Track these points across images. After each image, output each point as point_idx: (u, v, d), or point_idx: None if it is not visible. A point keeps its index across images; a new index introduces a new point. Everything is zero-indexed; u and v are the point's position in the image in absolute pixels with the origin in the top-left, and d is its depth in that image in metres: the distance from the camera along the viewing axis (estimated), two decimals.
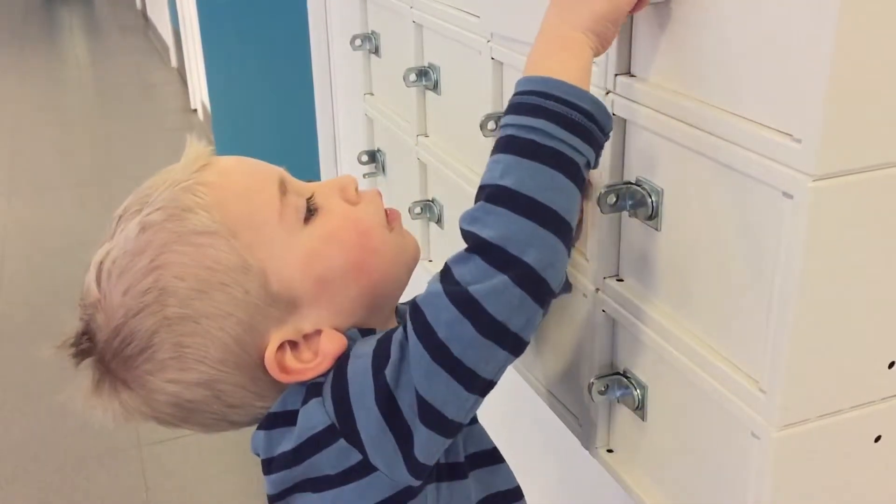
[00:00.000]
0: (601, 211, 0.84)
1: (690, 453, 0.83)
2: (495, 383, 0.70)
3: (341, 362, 0.73)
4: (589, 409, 0.96)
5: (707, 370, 0.76)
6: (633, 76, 0.80)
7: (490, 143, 1.06)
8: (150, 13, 6.75)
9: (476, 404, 0.70)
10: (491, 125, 1.03)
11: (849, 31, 0.59)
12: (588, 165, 0.69)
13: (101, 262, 0.74)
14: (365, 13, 1.46)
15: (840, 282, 0.67)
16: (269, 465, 0.75)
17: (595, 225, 0.89)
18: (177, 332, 0.71)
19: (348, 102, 1.77)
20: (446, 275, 0.68)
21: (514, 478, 0.88)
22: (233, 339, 0.71)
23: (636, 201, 0.82)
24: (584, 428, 0.98)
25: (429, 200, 1.32)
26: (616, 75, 0.82)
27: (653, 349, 0.84)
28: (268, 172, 0.77)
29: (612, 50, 0.81)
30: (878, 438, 0.75)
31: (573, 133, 0.67)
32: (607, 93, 0.83)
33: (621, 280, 0.89)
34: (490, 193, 0.67)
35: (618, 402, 0.91)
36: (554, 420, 1.09)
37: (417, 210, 1.31)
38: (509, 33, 0.99)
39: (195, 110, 4.80)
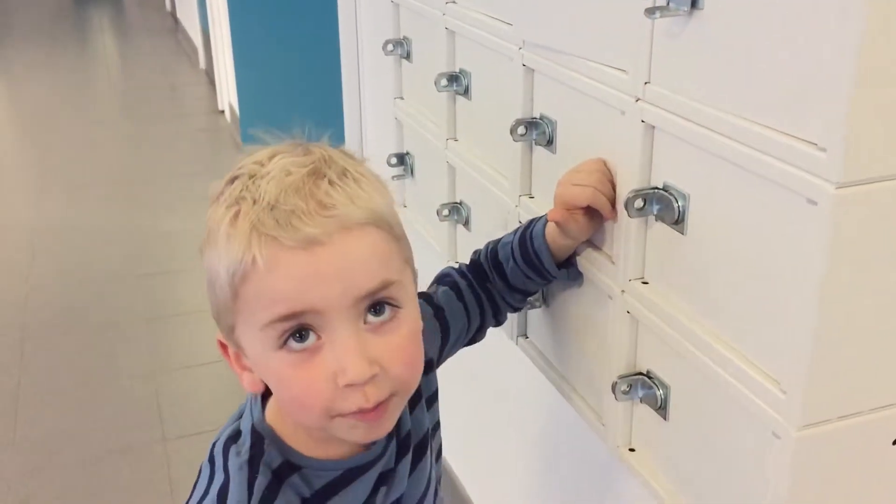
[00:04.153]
0: (628, 215, 0.86)
1: (711, 452, 0.85)
2: None
3: None
4: (611, 408, 0.98)
5: (729, 371, 0.78)
6: (660, 86, 0.83)
7: (519, 147, 1.09)
8: (179, 15, 6.82)
9: None
10: (521, 130, 1.05)
11: (873, 43, 0.61)
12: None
13: (236, 177, 0.75)
14: (397, 19, 1.48)
15: (861, 286, 0.69)
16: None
17: (621, 229, 0.91)
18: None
19: (377, 105, 1.79)
20: None
21: None
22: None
23: (663, 206, 0.84)
24: (606, 426, 1.00)
25: (457, 203, 1.34)
26: (645, 83, 0.84)
27: (676, 350, 0.86)
28: (303, 298, 0.70)
29: (642, 61, 0.84)
30: (895, 441, 0.76)
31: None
32: (637, 100, 0.85)
33: (646, 283, 0.91)
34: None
35: (640, 401, 0.93)
36: (575, 418, 1.11)
37: (445, 212, 1.34)
38: (541, 41, 1.02)
39: (222, 111, 4.85)
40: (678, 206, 0.83)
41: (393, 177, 1.58)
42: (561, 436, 1.21)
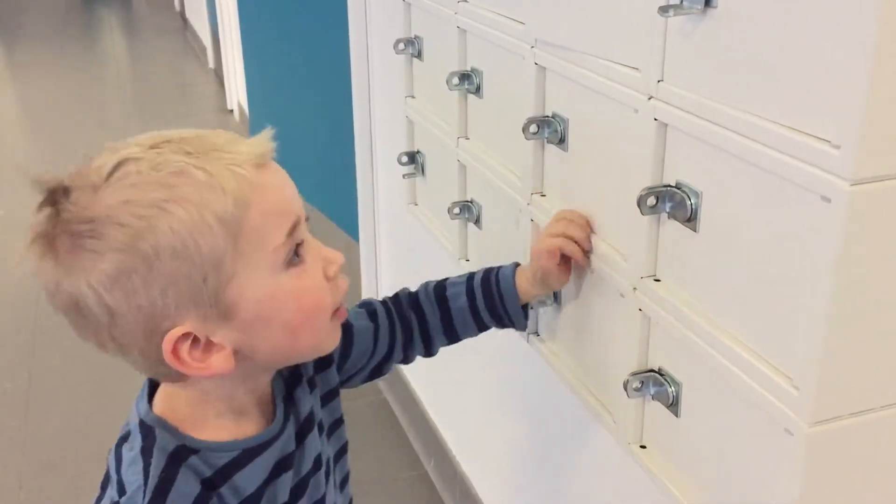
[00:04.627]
0: (641, 212, 0.86)
1: (723, 449, 0.85)
2: None
3: None
4: (623, 404, 0.98)
5: (742, 368, 0.79)
6: (673, 84, 0.83)
7: (531, 145, 1.10)
8: (188, 14, 6.84)
9: None
10: (533, 128, 1.06)
11: (888, 40, 0.61)
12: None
13: (126, 161, 0.73)
14: (409, 18, 1.49)
15: (874, 284, 0.69)
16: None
17: (633, 226, 0.92)
18: (131, 263, 0.72)
19: (387, 104, 1.80)
20: None
21: None
22: (162, 302, 0.74)
23: (675, 203, 0.84)
24: (617, 423, 1.00)
25: (467, 201, 1.35)
26: (658, 81, 0.84)
27: (688, 347, 0.86)
28: (294, 206, 0.79)
29: (655, 59, 0.84)
30: None
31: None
32: (649, 98, 0.86)
33: (658, 280, 0.91)
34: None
35: (652, 398, 0.94)
36: (587, 415, 1.11)
37: (456, 210, 1.34)
38: (553, 40, 1.02)
39: (231, 111, 4.86)
40: (691, 204, 0.83)
41: (404, 175, 1.58)
42: (572, 433, 1.21)
